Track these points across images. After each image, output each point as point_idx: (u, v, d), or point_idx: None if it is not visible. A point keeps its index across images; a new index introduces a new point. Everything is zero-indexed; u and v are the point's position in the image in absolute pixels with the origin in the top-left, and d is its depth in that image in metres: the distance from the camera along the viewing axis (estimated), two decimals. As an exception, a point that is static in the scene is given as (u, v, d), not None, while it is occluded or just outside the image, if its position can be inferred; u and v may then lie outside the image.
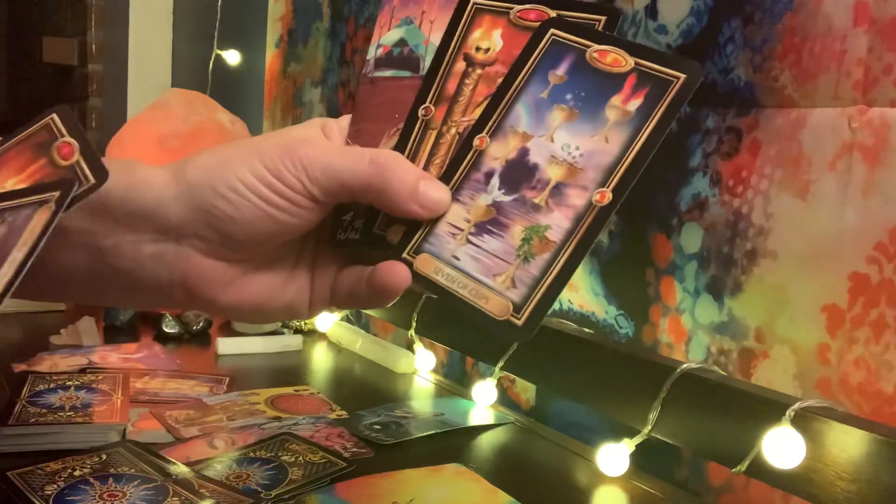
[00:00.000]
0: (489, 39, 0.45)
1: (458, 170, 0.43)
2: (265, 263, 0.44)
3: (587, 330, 0.82)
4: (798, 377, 0.64)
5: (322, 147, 0.42)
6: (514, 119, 0.43)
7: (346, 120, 0.47)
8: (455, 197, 0.43)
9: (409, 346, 1.01)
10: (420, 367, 0.99)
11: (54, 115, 0.42)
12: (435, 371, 1.00)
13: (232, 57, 1.74)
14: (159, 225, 0.42)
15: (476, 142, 0.43)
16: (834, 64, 0.61)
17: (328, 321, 1.13)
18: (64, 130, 0.41)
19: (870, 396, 0.59)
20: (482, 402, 0.86)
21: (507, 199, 0.42)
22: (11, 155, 0.41)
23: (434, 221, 0.43)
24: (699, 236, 0.71)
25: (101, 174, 0.39)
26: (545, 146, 0.42)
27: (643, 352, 0.76)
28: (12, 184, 0.40)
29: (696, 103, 0.72)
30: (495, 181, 0.43)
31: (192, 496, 0.59)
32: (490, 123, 0.43)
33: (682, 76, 0.41)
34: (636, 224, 0.77)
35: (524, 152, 0.43)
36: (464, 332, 0.93)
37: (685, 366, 0.66)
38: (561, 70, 0.43)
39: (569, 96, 0.43)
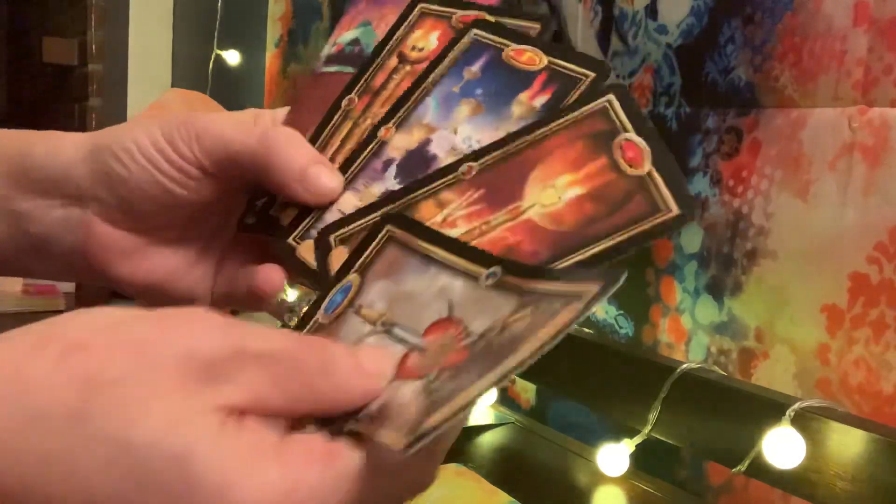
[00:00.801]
0: (426, 40, 0.46)
1: (359, 158, 0.42)
2: (167, 241, 0.44)
3: (587, 330, 0.82)
4: (798, 377, 0.64)
5: (219, 119, 0.41)
6: (421, 112, 0.43)
7: (282, 112, 0.47)
8: (351, 185, 0.42)
9: (409, 346, 1.01)
10: (420, 367, 0.99)
11: (612, 98, 0.38)
12: (435, 371, 1.00)
13: (232, 57, 1.74)
14: (68, 188, 0.42)
15: (381, 132, 0.43)
16: (834, 64, 0.61)
17: (328, 321, 1.13)
18: (627, 123, 0.38)
19: (870, 396, 0.59)
20: (482, 402, 0.86)
21: (399, 188, 0.41)
22: (562, 139, 0.39)
23: (324, 208, 0.41)
24: (699, 236, 0.71)
25: (687, 203, 0.34)
26: (447, 138, 0.42)
27: (643, 352, 0.76)
28: (566, 181, 0.37)
29: (696, 103, 0.72)
30: (392, 170, 0.42)
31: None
32: (398, 115, 0.43)
33: (592, 74, 0.40)
34: (636, 224, 0.77)
35: (426, 143, 0.42)
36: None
37: (685, 366, 0.66)
38: (476, 66, 0.43)
39: (479, 91, 0.42)
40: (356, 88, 0.45)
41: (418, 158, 0.42)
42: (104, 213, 0.42)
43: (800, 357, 0.64)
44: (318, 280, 0.39)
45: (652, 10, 0.75)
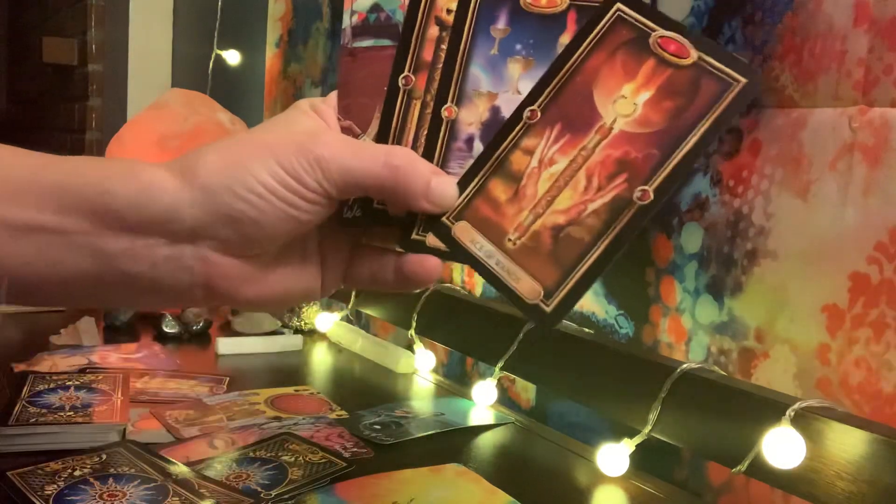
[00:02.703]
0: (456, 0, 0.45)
1: (437, 144, 0.44)
2: (279, 255, 0.45)
3: (587, 330, 0.82)
4: (798, 377, 0.64)
5: (335, 145, 0.43)
6: (473, 82, 0.44)
7: (333, 98, 0.47)
8: (447, 171, 0.44)
9: (409, 346, 1.01)
10: (420, 367, 0.99)
11: (620, 6, 0.41)
12: (435, 371, 1.00)
13: (232, 57, 1.74)
14: (174, 229, 0.42)
15: (444, 113, 0.44)
16: (834, 64, 0.61)
17: (328, 321, 1.13)
18: (650, 23, 0.41)
19: (870, 396, 0.59)
20: (482, 402, 0.86)
21: (480, 154, 0.43)
22: (601, 57, 0.41)
23: None
24: (699, 236, 0.71)
25: (748, 70, 0.39)
26: (513, 99, 0.43)
27: (643, 352, 0.76)
28: (631, 89, 0.40)
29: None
30: (476, 144, 0.43)
31: (192, 496, 0.59)
32: (451, 92, 0.44)
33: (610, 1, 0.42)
34: (636, 224, 0.77)
35: (496, 111, 0.43)
36: (464, 332, 0.93)
37: (685, 366, 0.66)
38: (501, 23, 0.44)
39: (518, 46, 0.43)
40: (407, 65, 0.45)
41: (496, 126, 0.43)
42: (223, 248, 0.43)
43: (800, 357, 0.64)
44: (455, 256, 0.43)
45: (652, 10, 0.75)
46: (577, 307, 0.84)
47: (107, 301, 0.48)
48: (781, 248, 0.65)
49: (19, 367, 0.89)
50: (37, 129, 3.21)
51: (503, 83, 0.43)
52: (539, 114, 0.43)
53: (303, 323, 1.15)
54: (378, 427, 0.78)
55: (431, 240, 0.44)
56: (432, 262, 0.44)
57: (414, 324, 0.97)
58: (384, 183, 0.42)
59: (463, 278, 1.02)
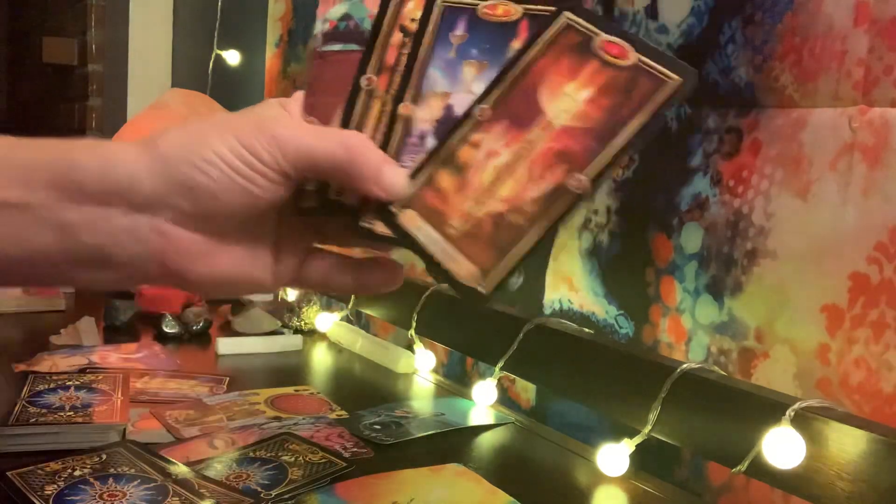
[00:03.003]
0: (421, 10, 0.49)
1: (392, 139, 0.47)
2: (234, 237, 0.46)
3: (587, 330, 0.82)
4: (798, 377, 0.64)
5: (293, 126, 0.45)
6: (430, 83, 0.47)
7: (299, 96, 0.50)
8: (398, 163, 0.46)
9: (409, 346, 1.01)
10: (420, 367, 0.99)
11: (569, 14, 0.45)
12: (435, 371, 1.00)
13: (232, 57, 1.74)
14: (133, 199, 0.43)
15: (401, 110, 0.47)
16: (834, 64, 0.61)
17: (328, 321, 1.13)
18: (595, 29, 0.44)
19: (870, 396, 0.59)
20: (482, 402, 0.86)
21: (432, 147, 0.46)
22: (548, 60, 0.45)
23: None
24: (699, 236, 0.71)
25: (682, 68, 0.42)
26: (467, 98, 0.46)
27: (643, 352, 0.76)
28: (573, 88, 0.44)
29: (696, 103, 0.72)
30: (429, 139, 0.46)
31: (192, 496, 0.59)
32: (409, 91, 0.47)
33: (558, 8, 0.46)
34: (636, 224, 0.77)
35: (449, 109, 0.46)
36: (464, 332, 0.93)
37: (685, 366, 0.66)
38: (459, 30, 0.47)
39: (474, 51, 0.47)
40: (371, 67, 0.48)
41: (449, 123, 0.46)
42: (178, 219, 0.44)
43: (800, 357, 0.64)
44: (400, 242, 0.45)
45: (652, 10, 0.75)
46: (577, 307, 0.84)
47: (70, 279, 0.48)
48: (781, 248, 0.65)
49: (19, 367, 0.89)
50: (37, 130, 3.21)
51: (458, 84, 0.47)
52: (488, 111, 0.45)
53: (303, 323, 1.15)
54: (378, 427, 0.78)
55: (379, 227, 0.46)
56: (399, 274, 0.47)
57: (414, 324, 0.97)
58: (338, 163, 0.44)
59: (463, 278, 1.01)
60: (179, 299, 1.17)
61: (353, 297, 1.11)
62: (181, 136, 0.44)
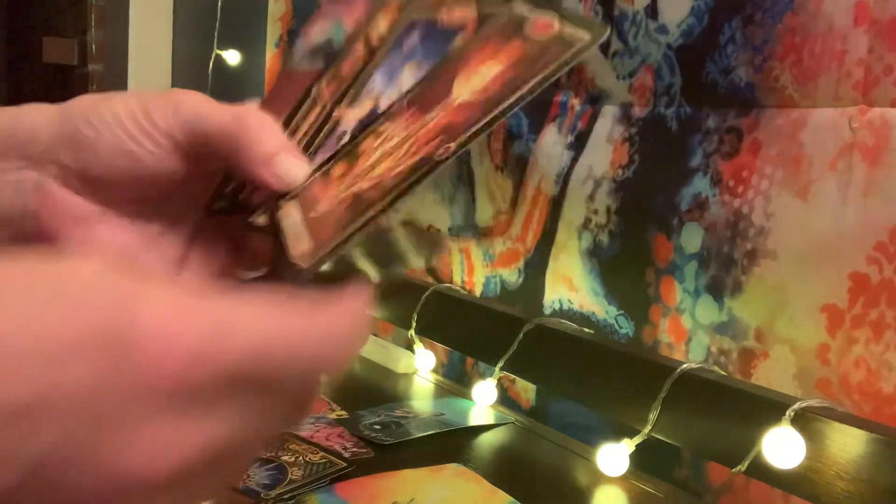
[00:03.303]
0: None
1: (316, 138, 0.46)
2: (126, 214, 0.45)
3: (587, 330, 0.82)
4: (798, 377, 0.64)
5: (198, 96, 0.43)
6: (370, 87, 0.46)
7: (254, 104, 0.49)
8: (313, 163, 0.45)
9: (409, 346, 1.01)
10: (420, 367, 0.99)
11: (513, 4, 0.43)
12: (435, 371, 1.00)
13: (232, 57, 1.74)
14: (27, 151, 0.43)
15: (335, 114, 0.46)
16: (834, 64, 0.61)
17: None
18: (526, 9, 0.43)
19: (870, 396, 0.59)
20: (482, 402, 0.86)
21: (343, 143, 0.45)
22: (473, 52, 0.44)
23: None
24: (699, 236, 0.71)
25: (590, 23, 0.40)
26: (394, 96, 0.45)
27: (643, 352, 0.76)
28: (488, 67, 0.42)
29: (696, 103, 0.72)
30: (346, 138, 0.45)
31: (192, 496, 0.59)
32: (348, 97, 0.46)
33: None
34: (636, 224, 0.77)
35: (375, 108, 0.45)
36: (464, 332, 0.93)
37: (685, 366, 0.66)
38: (414, 37, 0.47)
39: (419, 55, 0.46)
40: (325, 77, 0.47)
41: (367, 120, 0.45)
42: (63, 177, 0.43)
43: (800, 357, 0.64)
44: (270, 230, 0.43)
45: (652, 10, 0.75)
46: (577, 307, 0.84)
47: None
48: (781, 248, 0.65)
49: (19, 367, 0.88)
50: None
51: (392, 85, 0.46)
52: (404, 104, 0.44)
53: (303, 323, 1.15)
54: (378, 427, 0.78)
55: (262, 219, 0.44)
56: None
57: (414, 324, 0.97)
58: (227, 132, 0.42)
59: (463, 278, 1.02)
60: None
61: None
62: (94, 98, 0.44)
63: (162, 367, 0.26)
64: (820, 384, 0.62)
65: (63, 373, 0.25)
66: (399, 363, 0.99)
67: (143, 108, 0.42)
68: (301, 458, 0.69)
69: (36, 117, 0.43)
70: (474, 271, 1.00)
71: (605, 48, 0.80)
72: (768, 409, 0.59)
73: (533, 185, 0.90)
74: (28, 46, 3.48)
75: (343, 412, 0.83)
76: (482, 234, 0.98)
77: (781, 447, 0.57)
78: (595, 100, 0.82)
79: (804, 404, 0.57)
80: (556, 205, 0.86)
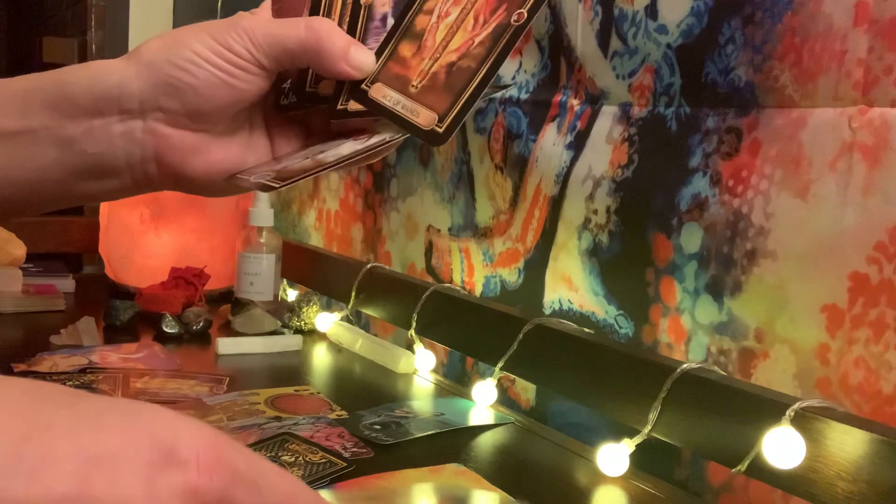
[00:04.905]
0: None
1: (357, 26, 0.51)
2: (224, 132, 0.50)
3: (587, 330, 0.82)
4: (798, 377, 0.64)
5: (261, 19, 0.49)
6: None
7: (267, 2, 0.54)
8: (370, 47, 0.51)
9: (409, 346, 1.01)
10: (420, 367, 0.99)
11: None
12: (435, 371, 1.00)
13: (232, 57, 1.73)
14: (124, 104, 0.46)
15: (362, 0, 0.51)
16: (834, 64, 0.61)
17: (328, 321, 1.13)
18: None
19: (870, 396, 0.59)
20: (482, 402, 0.86)
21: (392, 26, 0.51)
22: None
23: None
24: (699, 236, 0.71)
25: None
26: None
27: (643, 352, 0.76)
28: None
29: (696, 103, 0.72)
30: (390, 20, 0.51)
31: (192, 496, 0.59)
32: None
33: None
34: (636, 224, 0.77)
35: None
36: (464, 332, 0.93)
37: (685, 366, 0.66)
38: None
39: None
40: None
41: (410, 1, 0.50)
42: (169, 119, 0.47)
43: (800, 357, 0.64)
44: (371, 112, 0.49)
45: (652, 10, 0.75)
46: (576, 307, 0.84)
47: (75, 193, 0.50)
48: (781, 248, 0.65)
49: (19, 367, 0.89)
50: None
51: None
52: None
53: (303, 323, 1.15)
54: (378, 427, 0.78)
55: (353, 105, 0.50)
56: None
57: (414, 324, 0.97)
58: (306, 45, 0.47)
59: (463, 278, 1.02)
60: (179, 299, 1.18)
61: (353, 297, 1.10)
62: (160, 42, 0.48)
63: None
64: (820, 384, 0.62)
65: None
66: (399, 363, 0.99)
67: (221, 41, 0.47)
68: (301, 458, 0.69)
69: (117, 73, 0.47)
70: (474, 271, 1.00)
71: (604, 48, 0.80)
72: (768, 409, 0.59)
73: (532, 184, 0.90)
74: (28, 46, 3.48)
75: (343, 412, 0.83)
76: (482, 234, 0.98)
77: (781, 447, 0.57)
78: (595, 100, 0.82)
79: (804, 404, 0.57)
80: (556, 205, 0.86)
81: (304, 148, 0.52)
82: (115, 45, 2.33)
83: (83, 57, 2.53)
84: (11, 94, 0.47)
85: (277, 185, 0.46)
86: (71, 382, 0.84)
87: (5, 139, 0.46)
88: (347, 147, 0.49)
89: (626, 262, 0.79)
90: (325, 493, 0.63)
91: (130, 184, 0.49)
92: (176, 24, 2.20)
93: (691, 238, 0.72)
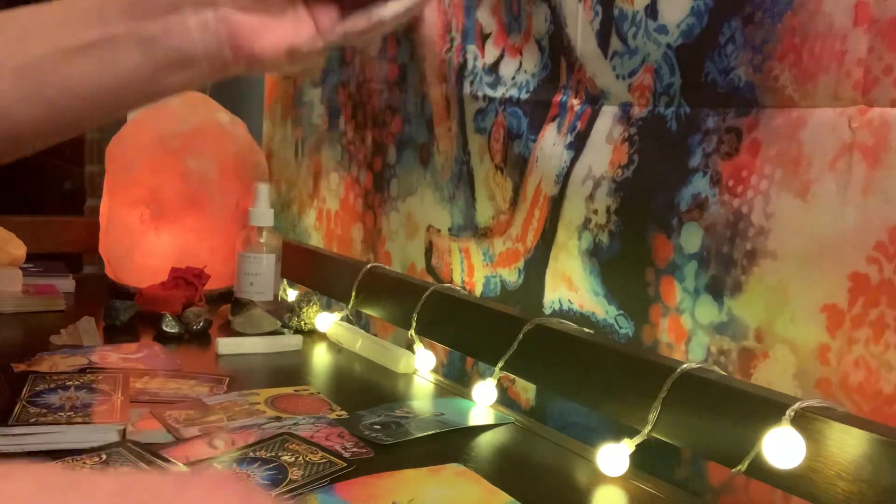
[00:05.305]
0: None
1: None
2: (279, 11, 0.54)
3: (587, 330, 0.82)
4: (798, 377, 0.64)
5: None
6: None
7: None
8: None
9: (409, 346, 1.01)
10: (420, 367, 0.99)
11: None
12: (435, 371, 1.00)
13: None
14: None
15: None
16: (834, 64, 0.61)
17: (328, 321, 1.13)
18: None
19: (870, 396, 0.59)
20: (482, 402, 0.86)
21: None
22: None
23: None
24: (699, 236, 0.71)
25: None
26: None
27: (643, 352, 0.76)
28: None
29: (696, 103, 0.72)
30: None
31: (192, 496, 0.59)
32: None
33: None
34: (636, 224, 0.77)
35: None
36: (464, 332, 0.93)
37: (685, 366, 0.66)
38: None
39: None
40: None
41: None
42: (236, 4, 0.51)
43: (800, 357, 0.64)
44: None
45: (652, 10, 0.75)
46: (576, 307, 0.84)
47: (162, 88, 0.54)
48: (781, 248, 0.65)
49: (19, 367, 0.89)
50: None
51: None
52: None
53: (303, 323, 1.15)
54: (378, 427, 0.78)
55: None
56: None
57: (414, 324, 0.97)
58: None
59: (463, 278, 1.02)
60: (179, 299, 1.18)
61: (353, 296, 1.10)
62: None
63: None
64: (820, 384, 0.62)
65: None
66: (399, 363, 0.99)
67: None
68: (301, 458, 0.69)
69: None
70: (474, 271, 1.00)
71: (604, 48, 0.80)
72: (768, 409, 0.59)
73: (533, 184, 0.90)
74: None
75: (343, 412, 0.83)
76: (482, 234, 0.98)
77: (781, 447, 0.57)
78: (595, 100, 0.82)
79: (804, 404, 0.57)
80: (556, 205, 0.86)
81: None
82: None
83: None
84: (86, 8, 0.50)
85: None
86: (71, 382, 0.84)
87: (90, 49, 0.49)
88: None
89: (626, 262, 0.79)
90: (324, 494, 0.63)
91: (209, 71, 0.53)
92: None
93: (691, 238, 0.72)
